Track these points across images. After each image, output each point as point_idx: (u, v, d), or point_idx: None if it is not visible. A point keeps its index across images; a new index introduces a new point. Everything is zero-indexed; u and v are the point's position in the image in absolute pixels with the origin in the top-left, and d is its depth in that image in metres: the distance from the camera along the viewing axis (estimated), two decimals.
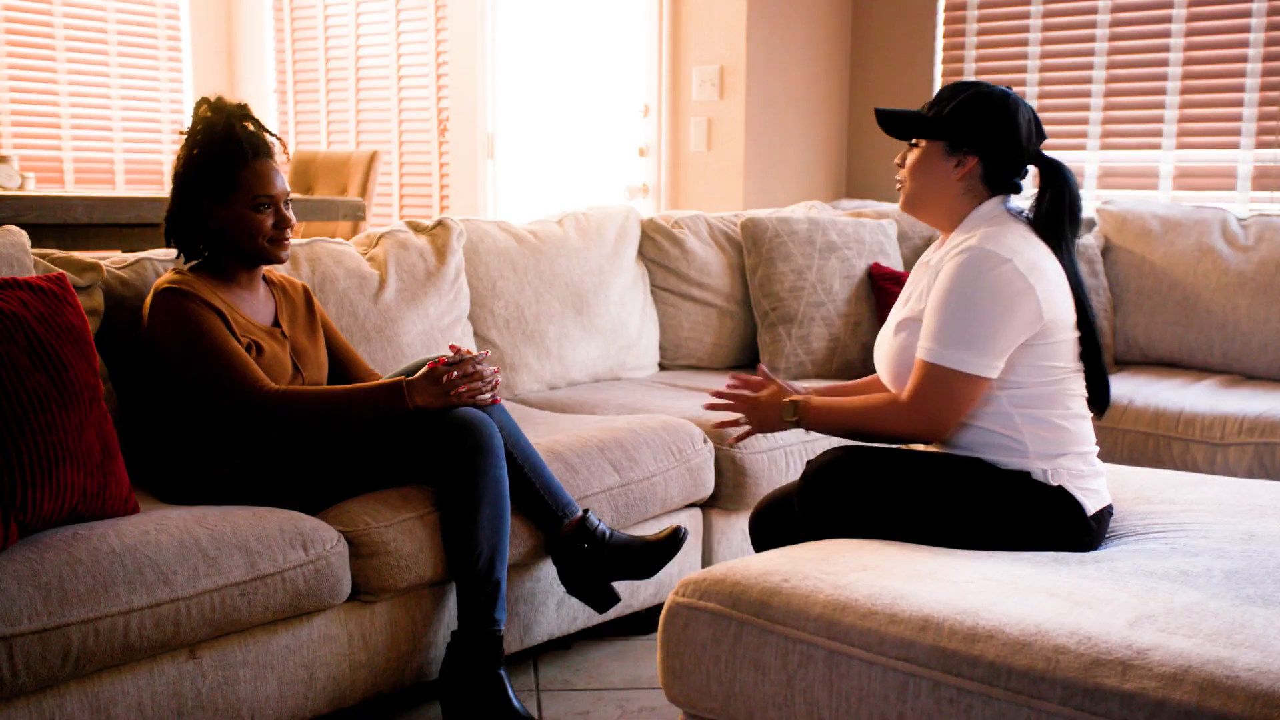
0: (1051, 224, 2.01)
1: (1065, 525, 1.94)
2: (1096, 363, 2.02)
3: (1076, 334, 2.00)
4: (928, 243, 3.99)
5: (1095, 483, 2.00)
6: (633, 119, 4.80)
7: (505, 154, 5.23)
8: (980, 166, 2.02)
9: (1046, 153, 2.07)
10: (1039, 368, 1.96)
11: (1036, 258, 1.94)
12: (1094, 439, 2.04)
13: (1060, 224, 2.01)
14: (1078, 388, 2.02)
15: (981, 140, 2.01)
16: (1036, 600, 1.62)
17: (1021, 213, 2.06)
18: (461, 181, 5.34)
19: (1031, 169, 2.07)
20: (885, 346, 2.08)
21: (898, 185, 2.10)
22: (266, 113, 6.02)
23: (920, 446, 2.08)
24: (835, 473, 2.00)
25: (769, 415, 2.15)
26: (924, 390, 1.94)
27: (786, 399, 2.12)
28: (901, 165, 2.09)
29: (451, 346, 2.30)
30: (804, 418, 2.09)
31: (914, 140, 2.06)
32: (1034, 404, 1.96)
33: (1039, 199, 2.03)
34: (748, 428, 2.21)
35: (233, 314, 2.25)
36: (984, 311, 1.90)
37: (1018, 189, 2.06)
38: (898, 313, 2.09)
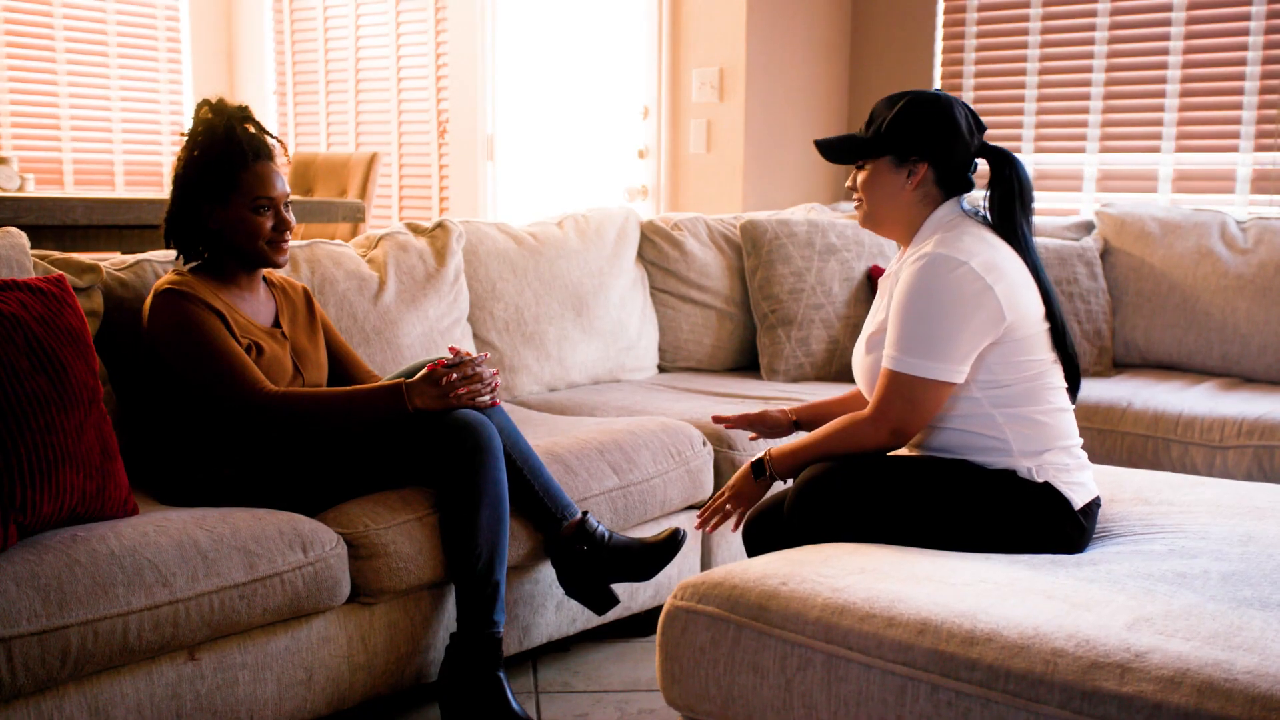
0: (1006, 213, 2.03)
1: (1054, 521, 1.94)
2: (1063, 347, 2.02)
3: (1047, 325, 2.01)
4: None
5: (1081, 476, 2.00)
6: (632, 121, 4.81)
7: (505, 156, 5.23)
8: (931, 171, 2.03)
9: (990, 143, 2.08)
10: (1015, 364, 1.96)
11: (994, 257, 1.95)
12: (1077, 432, 2.05)
13: (1013, 211, 2.02)
14: (1056, 380, 2.02)
15: (925, 146, 2.02)
16: (1034, 603, 1.62)
17: (977, 212, 2.07)
18: (461, 183, 5.35)
19: (980, 162, 2.08)
20: (859, 363, 2.10)
21: (855, 205, 2.12)
22: (266, 114, 6.02)
23: (906, 451, 2.09)
24: (826, 482, 2.00)
25: (744, 489, 2.17)
26: (888, 398, 1.96)
27: (751, 462, 2.15)
28: (854, 188, 2.10)
29: (451, 349, 2.30)
30: (774, 471, 2.11)
31: (861, 162, 2.08)
32: (1014, 402, 1.97)
33: (991, 191, 2.05)
34: (737, 516, 2.21)
35: (233, 315, 2.25)
36: (943, 316, 1.91)
37: (970, 185, 2.07)
38: (867, 326, 2.10)
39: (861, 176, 2.08)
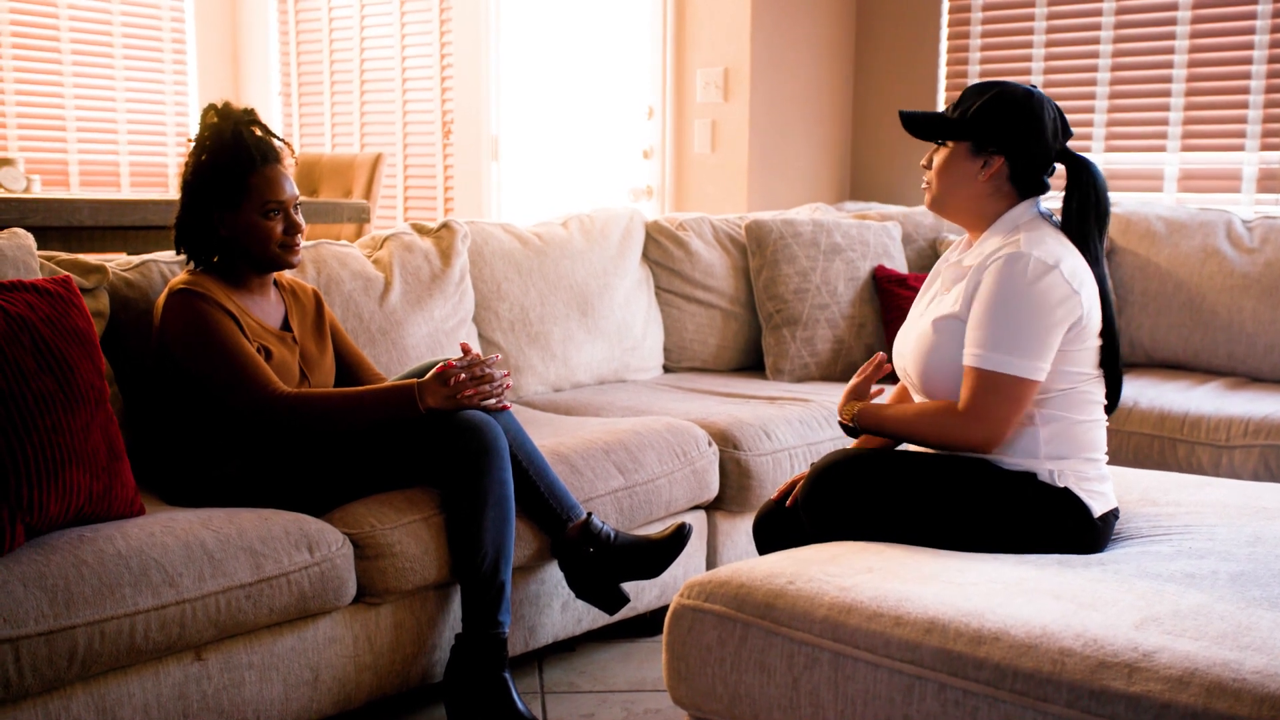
0: (1081, 224, 2.01)
1: (1071, 526, 1.93)
2: (1114, 364, 2.02)
3: (1099, 342, 2.00)
4: (932, 245, 3.99)
5: (1102, 486, 1.99)
6: (637, 121, 4.81)
7: (509, 156, 5.24)
8: (1006, 166, 2.01)
9: (1071, 150, 2.05)
10: (1062, 373, 1.95)
11: (1076, 263, 1.95)
12: (1105, 446, 2.04)
13: (1088, 223, 2.01)
14: (1097, 394, 2.01)
15: (1006, 140, 2.00)
16: (1042, 602, 1.61)
17: (1052, 216, 2.06)
18: (466, 184, 5.35)
19: (1059, 167, 2.06)
20: (918, 343, 2.04)
21: (924, 185, 2.10)
22: (271, 115, 6.03)
23: (923, 448, 2.08)
24: (839, 475, 1.99)
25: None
26: (981, 398, 1.92)
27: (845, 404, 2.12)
28: (928, 167, 2.08)
29: (462, 345, 2.30)
30: (859, 419, 2.08)
31: (940, 141, 2.06)
32: (1054, 406, 1.96)
33: (1067, 200, 2.02)
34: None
35: (244, 317, 2.25)
36: (1034, 316, 1.90)
37: (1045, 188, 2.05)
38: (929, 310, 2.06)
39: (938, 158, 2.06)
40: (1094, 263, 2.00)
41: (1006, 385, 1.91)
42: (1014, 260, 1.92)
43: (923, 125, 2.06)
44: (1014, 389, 1.91)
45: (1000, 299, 1.92)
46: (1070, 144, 2.09)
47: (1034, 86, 2.05)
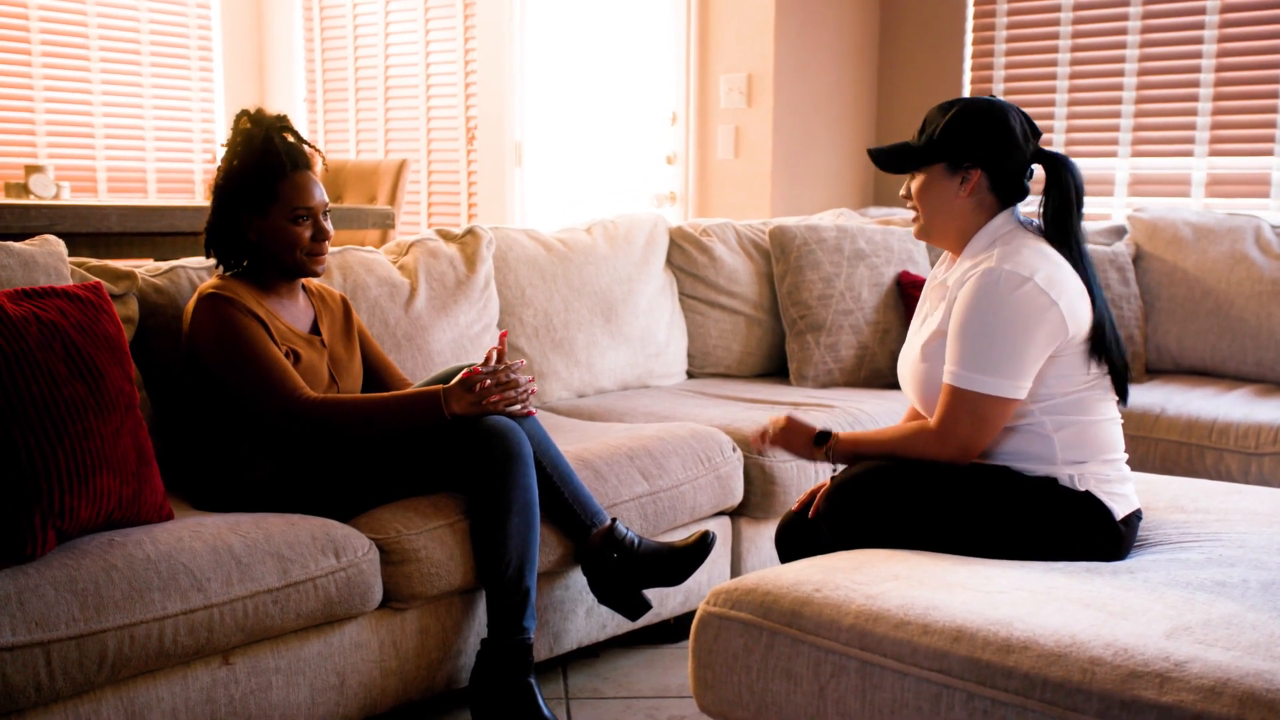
0: (1061, 221, 2.00)
1: (1094, 530, 1.93)
2: (1111, 356, 2.00)
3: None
4: None
5: (1123, 488, 1.98)
6: (660, 127, 4.81)
7: (533, 162, 5.25)
8: (985, 178, 2.02)
9: (1045, 149, 2.06)
10: (1067, 377, 1.95)
11: (1054, 271, 1.94)
12: (1123, 445, 2.03)
13: (1068, 219, 2.00)
14: (1107, 391, 2.00)
15: (980, 151, 2.00)
16: (1071, 611, 1.61)
17: (1031, 222, 2.05)
18: (489, 189, 5.36)
19: (1036, 168, 2.06)
20: (912, 369, 2.08)
21: (912, 218, 2.10)
22: (296, 122, 6.05)
23: None
24: (860, 488, 1.99)
25: (794, 439, 2.14)
26: (952, 415, 1.94)
27: (817, 428, 2.12)
28: (909, 196, 2.08)
29: (501, 337, 2.31)
30: (834, 449, 2.09)
31: (915, 169, 2.06)
32: (1065, 411, 1.95)
33: (1046, 200, 2.03)
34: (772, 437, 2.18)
35: (273, 321, 2.26)
36: (1008, 332, 1.89)
37: (1026, 192, 2.05)
38: (918, 334, 2.08)
39: (915, 185, 2.06)
40: (1079, 259, 1.99)
41: (979, 403, 1.91)
42: (987, 275, 1.92)
43: (894, 158, 2.07)
44: (987, 407, 1.91)
45: (973, 315, 1.92)
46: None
47: (994, 96, 2.05)
